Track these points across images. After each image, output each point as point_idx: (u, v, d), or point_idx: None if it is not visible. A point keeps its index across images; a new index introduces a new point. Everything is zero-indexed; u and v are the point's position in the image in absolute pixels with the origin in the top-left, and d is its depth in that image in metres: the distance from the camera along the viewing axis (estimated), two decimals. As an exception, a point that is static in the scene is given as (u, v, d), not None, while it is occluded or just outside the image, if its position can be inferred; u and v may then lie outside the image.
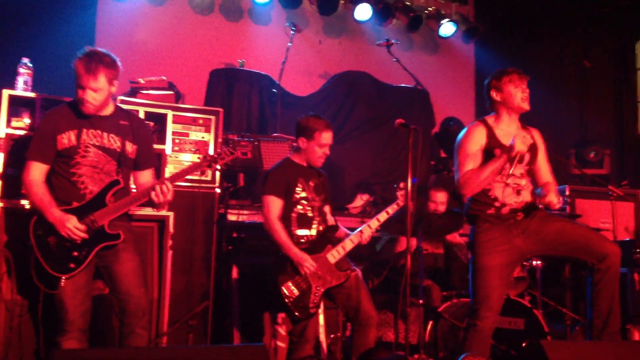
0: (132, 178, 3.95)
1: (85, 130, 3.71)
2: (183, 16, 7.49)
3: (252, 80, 6.93)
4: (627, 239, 6.25)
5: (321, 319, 4.90)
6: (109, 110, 3.80)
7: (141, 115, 4.74)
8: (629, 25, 8.21)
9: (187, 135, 5.06)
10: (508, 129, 4.04)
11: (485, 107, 4.20)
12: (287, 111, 6.56)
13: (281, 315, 4.93)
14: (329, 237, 4.48)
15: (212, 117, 5.16)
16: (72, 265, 3.59)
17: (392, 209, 4.58)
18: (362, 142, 7.09)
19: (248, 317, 5.11)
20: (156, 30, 7.30)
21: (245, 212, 5.42)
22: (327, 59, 8.18)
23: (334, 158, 5.67)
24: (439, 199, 5.81)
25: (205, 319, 4.89)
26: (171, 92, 5.41)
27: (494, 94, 4.08)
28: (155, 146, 4.48)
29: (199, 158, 3.95)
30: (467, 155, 3.99)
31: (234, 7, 7.77)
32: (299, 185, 4.45)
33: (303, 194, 4.47)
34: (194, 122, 5.10)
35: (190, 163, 4.89)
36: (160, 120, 4.97)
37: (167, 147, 4.90)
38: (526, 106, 4.03)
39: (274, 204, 4.38)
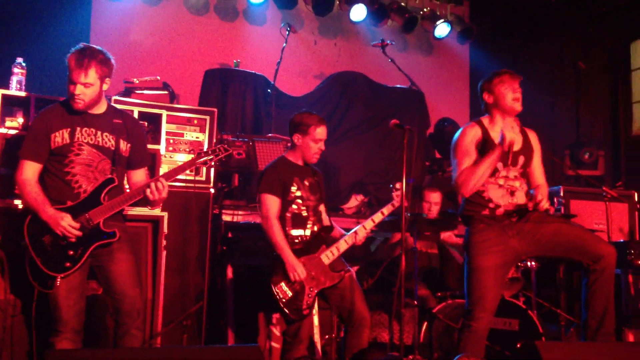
0: (126, 177, 3.94)
1: (79, 128, 3.70)
2: (178, 16, 7.48)
3: (247, 81, 6.92)
4: (621, 240, 6.28)
5: (315, 319, 4.90)
6: (101, 108, 3.79)
7: (135, 115, 4.73)
8: (624, 26, 8.22)
9: (181, 135, 5.05)
10: (503, 130, 4.03)
11: (480, 108, 4.20)
12: (282, 111, 6.55)
13: (276, 316, 4.93)
14: (323, 238, 4.46)
15: (207, 117, 5.15)
16: (67, 264, 3.58)
17: (387, 210, 4.58)
18: (357, 142, 7.09)
19: (242, 317, 5.11)
20: (151, 30, 7.30)
21: (240, 212, 5.42)
22: (322, 59, 8.18)
23: (329, 159, 5.68)
24: (433, 199, 5.83)
25: (200, 319, 4.88)
26: (166, 92, 5.40)
27: (486, 96, 4.08)
28: (150, 146, 4.47)
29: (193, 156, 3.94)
30: (463, 154, 3.99)
31: (229, 7, 7.77)
32: (294, 184, 4.44)
33: (298, 193, 4.45)
34: (188, 122, 5.09)
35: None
36: (155, 120, 4.95)
37: (162, 147, 4.89)
38: (518, 107, 4.02)
39: (272, 203, 4.36)
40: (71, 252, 3.59)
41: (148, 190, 3.65)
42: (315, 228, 4.49)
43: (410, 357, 4.50)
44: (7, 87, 4.56)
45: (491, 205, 3.97)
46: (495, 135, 4.01)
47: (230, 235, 5.35)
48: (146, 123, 4.87)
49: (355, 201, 6.46)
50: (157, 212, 4.65)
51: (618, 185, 7.23)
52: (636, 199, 6.76)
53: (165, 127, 4.96)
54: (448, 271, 5.84)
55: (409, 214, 4.64)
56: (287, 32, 7.06)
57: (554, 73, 8.57)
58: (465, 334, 3.94)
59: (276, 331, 4.92)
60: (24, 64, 4.69)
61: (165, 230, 4.75)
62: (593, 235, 4.15)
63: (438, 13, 8.33)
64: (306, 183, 4.50)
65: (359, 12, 7.82)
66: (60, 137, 3.67)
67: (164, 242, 4.73)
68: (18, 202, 4.18)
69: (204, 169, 4.95)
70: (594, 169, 7.39)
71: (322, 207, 4.62)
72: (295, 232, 4.42)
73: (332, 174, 6.58)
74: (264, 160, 5.55)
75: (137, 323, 3.75)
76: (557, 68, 8.55)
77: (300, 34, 7.82)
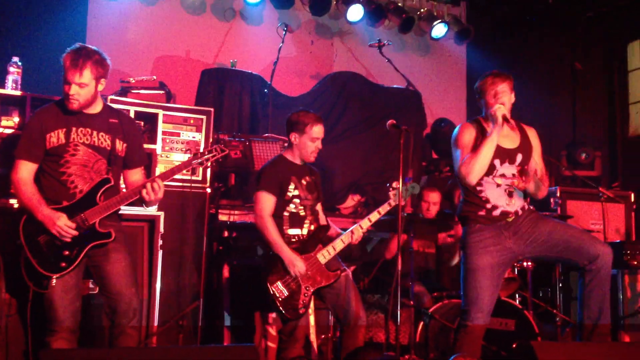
0: (122, 177, 3.93)
1: (74, 128, 3.69)
2: (175, 16, 7.47)
3: (243, 81, 6.91)
4: (618, 241, 6.29)
5: (312, 319, 4.89)
6: (97, 108, 3.77)
7: (132, 114, 4.72)
8: (622, 27, 8.22)
9: (178, 135, 5.05)
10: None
11: (476, 109, 4.20)
12: (279, 111, 6.54)
13: (272, 315, 4.93)
14: (320, 237, 4.46)
15: (203, 117, 5.15)
16: (63, 265, 3.57)
17: (383, 209, 4.58)
18: (354, 142, 7.08)
19: (238, 317, 5.10)
20: (147, 30, 7.29)
21: (236, 212, 5.41)
22: (319, 59, 8.18)
23: (326, 159, 5.67)
24: (432, 199, 5.83)
25: (196, 319, 4.87)
26: (162, 92, 5.40)
27: (479, 100, 4.09)
28: (146, 146, 4.47)
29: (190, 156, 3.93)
30: (464, 146, 3.98)
31: (226, 7, 7.75)
32: (292, 183, 4.44)
33: (295, 192, 4.45)
34: (184, 121, 5.09)
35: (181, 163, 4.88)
36: (151, 119, 4.95)
37: (158, 147, 4.89)
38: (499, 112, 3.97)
39: (267, 201, 4.36)
40: (66, 253, 3.58)
41: (144, 191, 3.64)
42: (312, 227, 4.49)
43: (407, 357, 4.49)
44: (2, 86, 4.55)
45: (488, 205, 3.97)
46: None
47: (226, 234, 5.35)
48: (142, 123, 4.88)
49: (352, 201, 6.46)
50: (153, 211, 4.65)
51: (614, 185, 7.24)
52: (632, 199, 6.78)
53: (161, 126, 4.96)
54: (444, 271, 5.84)
55: (405, 214, 4.64)
56: (283, 32, 7.05)
57: (551, 74, 8.57)
58: (462, 334, 3.94)
59: (272, 331, 4.92)
60: (19, 63, 4.69)
61: (162, 229, 4.74)
62: (589, 235, 4.15)
63: (435, 13, 8.31)
64: (304, 182, 4.49)
65: (356, 12, 7.80)
66: (56, 137, 3.66)
67: (160, 242, 4.73)
68: (14, 202, 4.17)
69: (201, 168, 4.94)
70: (591, 170, 7.40)
71: (319, 207, 4.63)
72: (292, 232, 4.43)
73: (328, 174, 6.58)
74: (260, 160, 5.55)
75: (133, 323, 3.74)
76: (554, 69, 8.54)
77: (297, 34, 7.82)
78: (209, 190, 5.09)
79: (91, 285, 4.37)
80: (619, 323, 5.53)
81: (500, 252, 3.94)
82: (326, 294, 4.42)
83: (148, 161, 4.44)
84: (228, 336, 5.04)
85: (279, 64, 6.87)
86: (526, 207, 4.03)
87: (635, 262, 5.67)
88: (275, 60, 6.84)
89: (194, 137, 5.08)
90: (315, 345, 4.94)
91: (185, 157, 4.95)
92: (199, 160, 3.82)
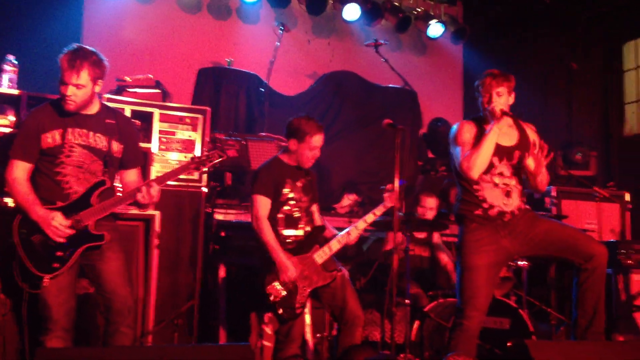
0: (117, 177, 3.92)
1: (70, 129, 3.67)
2: (171, 14, 7.47)
3: (240, 80, 6.92)
4: (612, 240, 6.30)
5: (308, 318, 4.89)
6: (94, 108, 3.76)
7: (127, 113, 4.71)
8: (617, 27, 8.24)
9: (173, 134, 5.04)
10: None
11: (472, 108, 4.21)
12: (275, 111, 6.56)
13: (268, 315, 4.92)
14: (316, 237, 4.47)
15: (200, 116, 5.14)
16: (56, 265, 3.55)
17: (379, 211, 4.58)
18: (350, 142, 7.10)
19: (234, 316, 5.10)
20: (143, 28, 7.28)
21: (232, 211, 5.40)
22: (316, 58, 8.18)
23: (322, 158, 5.64)
24: (429, 205, 5.78)
25: (191, 318, 4.88)
26: (158, 91, 5.38)
27: (477, 99, 4.09)
28: (142, 145, 4.46)
29: (187, 157, 3.93)
30: (464, 142, 3.99)
31: (223, 5, 7.76)
32: (287, 186, 4.43)
33: (291, 195, 4.45)
34: (181, 120, 5.08)
35: (177, 162, 4.89)
36: (147, 118, 4.95)
37: (154, 146, 4.88)
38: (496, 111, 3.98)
39: (263, 204, 4.37)
40: (60, 253, 3.56)
41: (139, 195, 3.63)
42: (308, 228, 4.49)
43: (402, 355, 4.50)
44: (-2, 84, 4.55)
45: (485, 205, 3.97)
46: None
47: (222, 234, 5.35)
48: (138, 121, 4.86)
49: (347, 200, 6.45)
50: (149, 211, 4.64)
51: (609, 185, 7.26)
52: (627, 199, 6.79)
53: (157, 125, 4.96)
54: (439, 273, 5.84)
55: (401, 214, 4.65)
56: (280, 31, 7.06)
57: (547, 73, 8.58)
58: (457, 332, 3.95)
59: (268, 330, 4.91)
60: (15, 62, 4.68)
61: (158, 229, 4.74)
62: (585, 234, 4.17)
63: (432, 13, 8.33)
64: (299, 184, 4.50)
65: (352, 12, 7.81)
66: (52, 137, 3.64)
67: (156, 241, 4.73)
68: (8, 201, 4.16)
69: (197, 168, 4.94)
70: (586, 170, 7.41)
71: (314, 207, 4.63)
72: (287, 232, 4.43)
73: (324, 173, 6.58)
74: (256, 159, 5.55)
75: (128, 321, 3.73)
76: (550, 69, 8.55)
77: (294, 33, 7.81)
78: (205, 189, 5.09)
79: (86, 285, 4.35)
80: (613, 324, 5.53)
81: (497, 252, 3.94)
82: (323, 293, 4.43)
83: (144, 162, 4.44)
84: (224, 335, 5.04)
85: (276, 63, 6.88)
86: (522, 206, 4.03)
87: (630, 262, 5.68)
88: (271, 59, 6.84)
89: (190, 136, 5.08)
90: (311, 344, 4.95)
91: (181, 156, 4.95)
92: (195, 166, 3.81)
